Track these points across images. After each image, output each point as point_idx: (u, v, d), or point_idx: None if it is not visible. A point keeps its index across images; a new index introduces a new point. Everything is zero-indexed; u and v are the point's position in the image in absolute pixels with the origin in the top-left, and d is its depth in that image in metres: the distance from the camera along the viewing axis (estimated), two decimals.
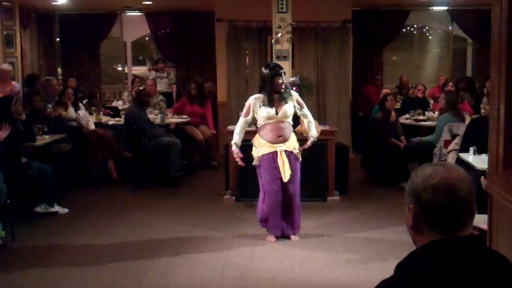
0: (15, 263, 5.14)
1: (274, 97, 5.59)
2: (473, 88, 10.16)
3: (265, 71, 5.70)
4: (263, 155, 5.57)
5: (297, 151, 5.69)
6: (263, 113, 5.57)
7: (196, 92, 9.27)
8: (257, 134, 5.74)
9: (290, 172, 5.54)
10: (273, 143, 5.56)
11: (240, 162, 5.78)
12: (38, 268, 5.01)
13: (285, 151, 5.56)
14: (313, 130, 5.85)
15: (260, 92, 5.71)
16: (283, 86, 5.62)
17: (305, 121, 5.91)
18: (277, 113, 5.56)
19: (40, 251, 5.47)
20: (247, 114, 5.74)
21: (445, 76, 11.11)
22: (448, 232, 1.66)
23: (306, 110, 5.84)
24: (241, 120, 5.80)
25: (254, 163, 5.67)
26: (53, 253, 5.44)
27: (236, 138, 5.76)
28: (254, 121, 5.93)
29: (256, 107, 5.64)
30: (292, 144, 5.65)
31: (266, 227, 5.77)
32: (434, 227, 1.67)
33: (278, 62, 7.22)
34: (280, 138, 5.57)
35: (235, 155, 5.78)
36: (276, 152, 5.54)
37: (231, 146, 5.83)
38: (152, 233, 5.99)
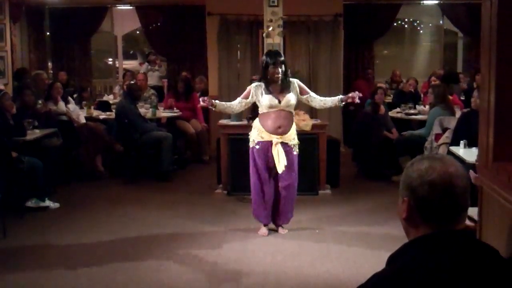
0: (6, 258, 5.12)
1: (274, 85, 5.50)
2: (457, 81, 10.12)
3: (263, 57, 5.67)
4: (260, 141, 5.52)
5: (295, 142, 5.60)
6: (266, 101, 5.48)
7: (183, 89, 9.32)
8: (257, 118, 5.65)
9: (285, 163, 5.45)
10: (271, 133, 5.48)
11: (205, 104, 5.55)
12: (30, 263, 5.00)
13: (281, 143, 5.50)
14: (330, 99, 5.75)
15: (260, 80, 5.64)
16: (278, 76, 5.45)
17: (316, 101, 5.72)
18: (279, 102, 5.47)
19: (32, 246, 5.45)
20: (246, 96, 5.62)
21: (438, 71, 11.07)
22: (442, 226, 1.67)
23: (312, 93, 5.75)
24: (237, 99, 5.69)
25: (250, 144, 5.59)
26: (45, 247, 5.42)
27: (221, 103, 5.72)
28: (255, 109, 5.86)
29: (257, 94, 5.53)
30: (290, 136, 5.57)
31: (255, 215, 5.75)
32: (428, 220, 1.68)
33: None
34: (280, 129, 5.48)
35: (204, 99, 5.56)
36: (271, 142, 5.48)
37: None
38: (143, 228, 5.98)
